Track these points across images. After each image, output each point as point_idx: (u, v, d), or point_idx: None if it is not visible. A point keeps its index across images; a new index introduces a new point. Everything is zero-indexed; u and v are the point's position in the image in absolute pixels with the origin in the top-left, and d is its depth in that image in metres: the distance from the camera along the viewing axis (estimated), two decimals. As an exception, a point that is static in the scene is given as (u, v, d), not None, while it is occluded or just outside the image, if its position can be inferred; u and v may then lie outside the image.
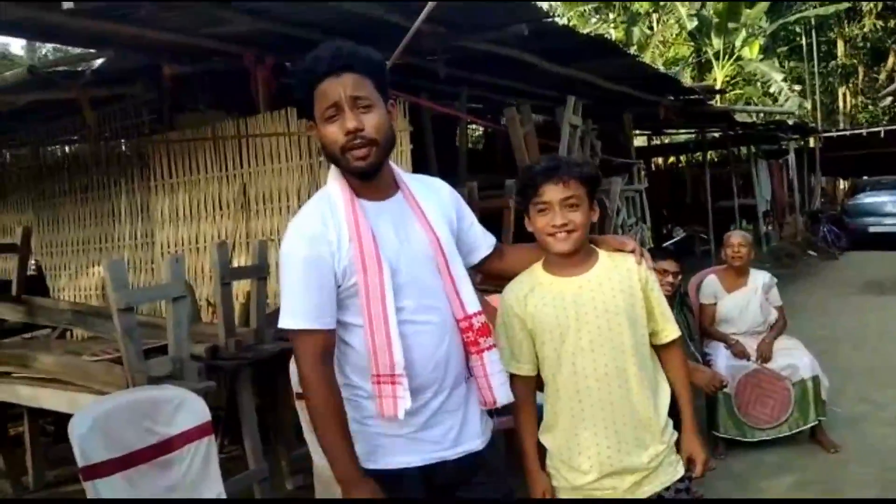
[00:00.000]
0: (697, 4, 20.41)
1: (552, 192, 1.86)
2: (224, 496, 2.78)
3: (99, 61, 5.68)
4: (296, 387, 3.18)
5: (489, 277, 2.06)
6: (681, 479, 1.92)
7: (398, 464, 1.72)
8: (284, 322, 1.68)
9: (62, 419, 4.81)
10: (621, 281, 1.89)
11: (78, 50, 5.55)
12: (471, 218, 1.95)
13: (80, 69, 5.61)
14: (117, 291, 2.98)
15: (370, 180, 1.73)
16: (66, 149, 6.97)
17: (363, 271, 1.66)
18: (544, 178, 1.87)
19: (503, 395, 1.79)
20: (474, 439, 1.80)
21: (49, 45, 20.82)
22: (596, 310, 1.86)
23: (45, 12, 3.86)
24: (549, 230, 1.87)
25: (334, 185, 1.75)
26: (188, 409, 2.73)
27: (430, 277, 1.75)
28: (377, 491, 1.66)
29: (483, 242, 1.97)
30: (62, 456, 4.63)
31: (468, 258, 1.91)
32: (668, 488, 1.89)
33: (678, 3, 19.77)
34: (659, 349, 1.97)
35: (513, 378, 1.90)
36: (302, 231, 1.70)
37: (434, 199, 1.84)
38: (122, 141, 5.99)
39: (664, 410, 1.93)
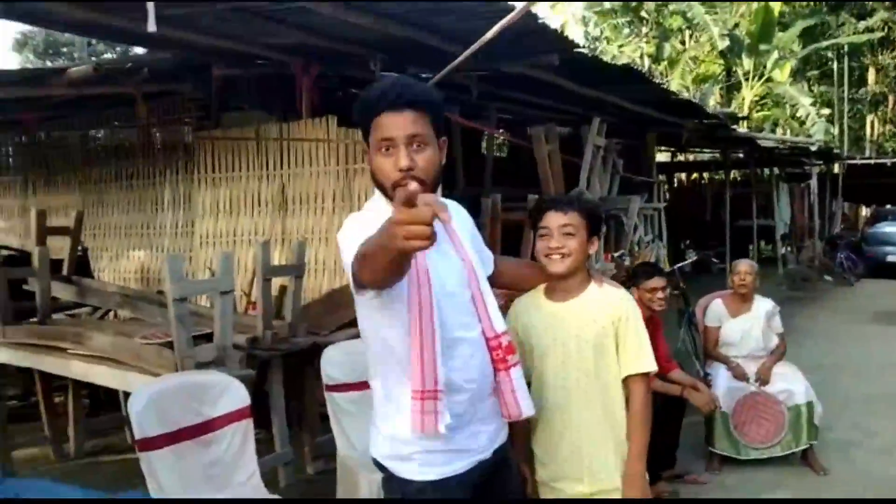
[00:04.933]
0: (730, 24, 20.46)
1: (553, 219, 2.14)
2: (258, 474, 3.09)
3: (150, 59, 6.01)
4: (325, 379, 3.48)
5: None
6: None
7: (441, 474, 1.82)
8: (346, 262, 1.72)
9: (96, 394, 5.19)
10: (598, 313, 2.14)
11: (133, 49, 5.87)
12: (479, 237, 2.11)
13: (133, 66, 5.94)
14: (174, 283, 3.29)
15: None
16: (116, 137, 7.33)
17: (417, 284, 1.71)
18: (549, 207, 2.18)
19: (527, 408, 1.92)
20: (501, 434, 1.97)
21: (100, 44, 21.58)
22: (568, 334, 2.14)
23: (115, 17, 4.19)
24: (545, 251, 2.14)
25: (382, 202, 1.81)
26: (231, 393, 3.03)
27: (465, 295, 1.86)
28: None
29: (488, 261, 2.12)
30: (97, 428, 5.00)
31: None
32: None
33: (710, 22, 19.78)
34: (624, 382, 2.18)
35: None
36: (359, 217, 1.82)
37: (459, 221, 1.95)
38: (170, 134, 6.34)
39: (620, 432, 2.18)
